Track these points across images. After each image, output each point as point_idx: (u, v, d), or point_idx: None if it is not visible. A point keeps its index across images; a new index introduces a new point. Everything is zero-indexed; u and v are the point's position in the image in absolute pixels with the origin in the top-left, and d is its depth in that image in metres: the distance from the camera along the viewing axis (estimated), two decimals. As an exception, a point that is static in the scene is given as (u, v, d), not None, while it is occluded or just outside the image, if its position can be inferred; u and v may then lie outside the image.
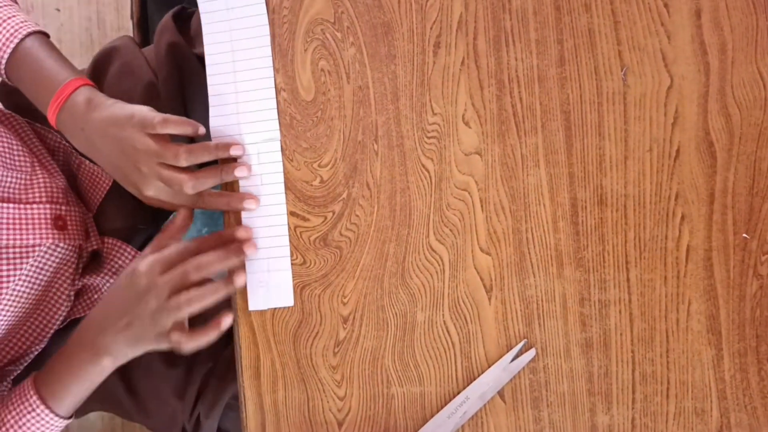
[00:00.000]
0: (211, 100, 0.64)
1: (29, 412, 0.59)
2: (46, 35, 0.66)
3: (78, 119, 0.62)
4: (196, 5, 0.66)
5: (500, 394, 0.60)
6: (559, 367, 0.60)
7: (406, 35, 0.62)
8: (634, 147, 0.59)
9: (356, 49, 0.62)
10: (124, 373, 0.75)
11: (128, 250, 0.74)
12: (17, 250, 0.62)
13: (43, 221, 0.64)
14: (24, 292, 0.63)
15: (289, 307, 0.63)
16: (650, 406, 0.59)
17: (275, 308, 0.63)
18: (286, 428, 0.64)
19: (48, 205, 0.65)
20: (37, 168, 0.66)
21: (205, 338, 0.59)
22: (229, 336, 0.63)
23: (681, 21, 0.58)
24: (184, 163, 0.60)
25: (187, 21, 0.78)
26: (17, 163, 0.65)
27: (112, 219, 0.74)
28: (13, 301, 0.62)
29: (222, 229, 0.64)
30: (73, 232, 0.67)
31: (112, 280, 0.73)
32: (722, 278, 0.58)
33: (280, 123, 0.63)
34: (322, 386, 0.63)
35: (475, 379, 0.60)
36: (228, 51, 0.64)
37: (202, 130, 0.62)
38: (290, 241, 0.63)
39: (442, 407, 0.61)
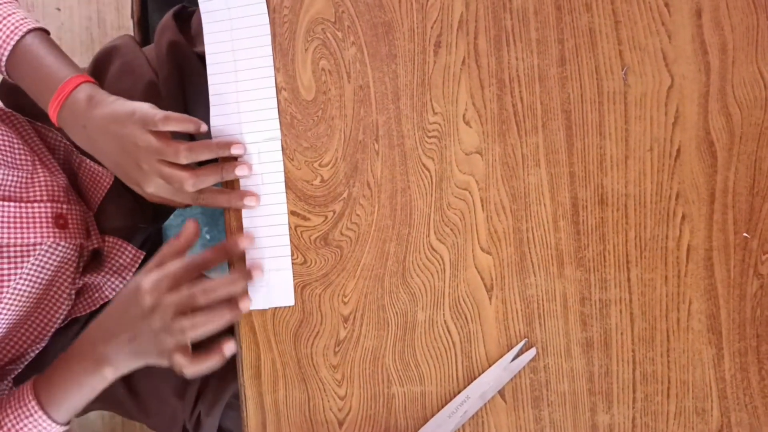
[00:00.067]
0: (212, 100, 0.64)
1: (27, 417, 0.59)
2: (46, 32, 0.66)
3: (79, 116, 0.62)
4: (196, 4, 0.66)
5: (501, 393, 0.60)
6: (560, 366, 0.60)
7: (406, 35, 0.62)
8: (634, 146, 0.59)
9: (357, 48, 0.62)
10: (124, 372, 0.75)
11: (129, 248, 0.74)
12: (18, 248, 0.62)
13: (44, 220, 0.64)
14: (25, 291, 0.63)
15: (289, 307, 0.63)
16: (651, 406, 0.59)
17: (276, 307, 0.63)
18: (286, 427, 0.64)
19: (49, 204, 0.65)
20: (38, 167, 0.66)
21: (208, 364, 0.58)
22: (230, 335, 0.63)
23: (681, 20, 0.58)
24: (184, 161, 0.59)
25: (188, 20, 0.78)
26: (18, 162, 0.65)
27: (112, 218, 0.74)
28: (14, 300, 0.62)
29: (222, 229, 0.64)
30: (74, 230, 0.67)
31: (112, 279, 0.73)
32: (723, 278, 0.58)
33: (280, 122, 0.63)
34: (322, 385, 0.63)
35: (475, 379, 0.60)
36: (229, 50, 0.64)
37: (204, 127, 0.62)
38: (291, 241, 0.63)
39: (442, 407, 0.61)
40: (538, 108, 0.60)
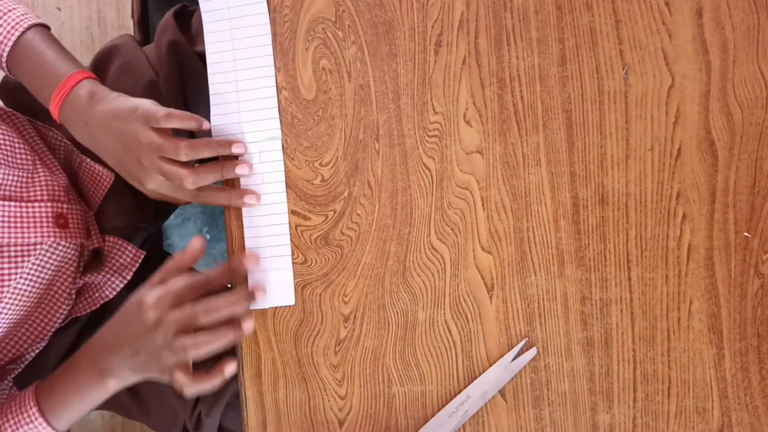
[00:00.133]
0: (213, 99, 0.64)
1: (27, 423, 0.59)
2: (47, 28, 0.65)
3: (81, 112, 0.62)
4: (196, 4, 0.66)
5: (501, 393, 0.60)
6: (561, 366, 0.60)
7: (407, 34, 0.62)
8: (635, 146, 0.59)
9: (357, 47, 0.62)
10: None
11: (129, 248, 0.74)
12: (18, 248, 0.62)
13: (44, 219, 0.64)
14: (25, 290, 0.63)
15: (290, 306, 0.63)
16: (651, 405, 0.59)
17: (276, 307, 0.63)
18: (287, 427, 0.64)
19: (49, 204, 0.65)
20: (39, 166, 0.66)
21: (208, 384, 0.58)
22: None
23: (682, 20, 0.58)
24: (184, 158, 0.59)
25: (188, 19, 0.78)
26: (19, 161, 0.65)
27: (112, 217, 0.74)
28: (15, 299, 0.62)
29: (222, 228, 0.64)
30: (75, 230, 0.67)
31: (113, 279, 0.73)
32: (723, 277, 0.58)
33: (281, 122, 0.63)
34: (323, 385, 0.63)
35: (476, 378, 0.60)
36: (229, 50, 0.64)
37: (206, 125, 0.62)
38: (291, 240, 0.63)
39: (443, 406, 0.61)
40: (538, 107, 0.60)
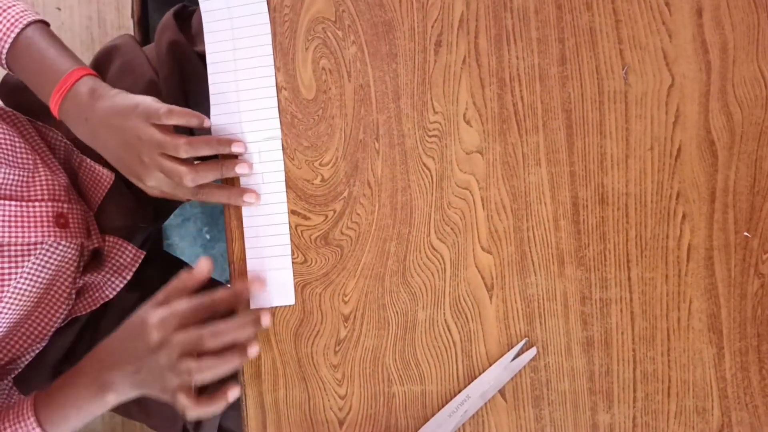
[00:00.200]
0: (213, 99, 0.64)
1: None
2: (46, 24, 0.65)
3: (82, 109, 0.62)
4: (196, 3, 0.66)
5: (501, 392, 0.60)
6: (560, 365, 0.60)
7: (407, 34, 0.62)
8: (635, 146, 0.59)
9: (357, 47, 0.62)
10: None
11: (129, 248, 0.74)
12: (19, 248, 0.62)
13: (44, 219, 0.64)
14: (25, 290, 0.63)
15: (290, 306, 0.63)
16: (651, 405, 0.59)
17: (276, 307, 0.63)
18: (287, 427, 0.64)
19: (50, 203, 0.65)
20: (39, 166, 0.66)
21: (212, 408, 0.59)
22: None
23: (682, 20, 0.58)
24: (184, 155, 0.59)
25: (188, 19, 0.78)
26: (19, 161, 0.65)
27: (113, 217, 0.74)
28: (15, 299, 0.62)
29: (222, 228, 0.64)
30: (75, 230, 0.67)
31: (113, 279, 0.73)
32: (723, 277, 0.58)
33: (281, 121, 0.63)
34: (323, 385, 0.63)
35: (476, 378, 0.60)
36: (229, 50, 0.64)
37: (207, 122, 0.62)
38: (291, 240, 0.63)
39: (443, 406, 0.61)
40: (538, 107, 0.60)
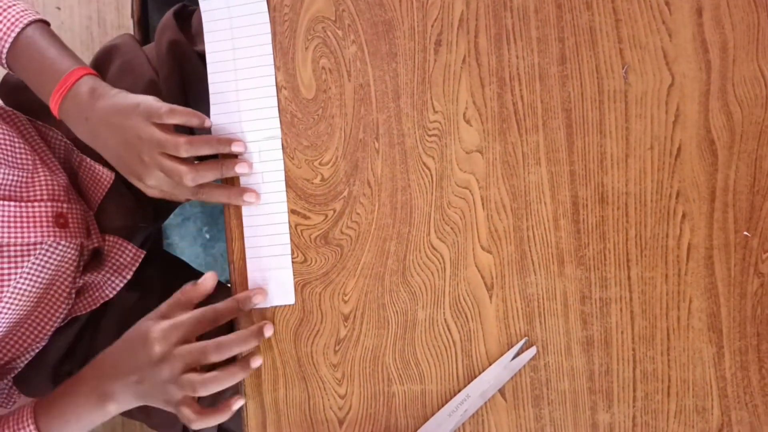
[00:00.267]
0: (212, 98, 0.64)
1: None
2: (47, 24, 0.66)
3: (82, 108, 0.62)
4: (196, 3, 0.66)
5: (501, 392, 0.60)
6: (560, 365, 0.60)
7: (407, 33, 0.62)
8: (635, 145, 0.59)
9: (357, 47, 0.62)
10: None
11: (129, 248, 0.74)
12: (18, 248, 0.62)
13: (44, 219, 0.64)
14: (25, 290, 0.63)
15: (290, 305, 0.63)
16: (651, 404, 0.59)
17: (276, 306, 0.63)
18: (286, 426, 0.64)
19: (49, 203, 0.65)
20: (39, 166, 0.66)
21: (216, 420, 0.59)
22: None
23: (682, 19, 0.58)
24: (184, 154, 0.59)
25: (188, 19, 0.78)
26: (19, 161, 0.65)
27: (113, 217, 0.74)
28: (15, 299, 0.62)
29: (222, 228, 0.64)
30: (75, 229, 0.67)
31: (113, 278, 0.73)
32: (723, 276, 0.58)
33: (281, 121, 0.63)
34: (322, 384, 0.63)
35: (476, 377, 0.60)
36: (229, 49, 0.64)
37: (208, 122, 0.62)
38: (291, 239, 0.63)
39: (442, 405, 0.61)
40: (538, 106, 0.60)
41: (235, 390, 0.63)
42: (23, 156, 0.65)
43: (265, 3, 0.63)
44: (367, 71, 0.62)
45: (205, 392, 0.57)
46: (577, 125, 0.59)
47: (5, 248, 0.61)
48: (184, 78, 0.75)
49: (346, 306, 0.62)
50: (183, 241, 1.40)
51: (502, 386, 0.60)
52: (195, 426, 0.59)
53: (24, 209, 0.63)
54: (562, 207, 0.60)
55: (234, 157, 0.63)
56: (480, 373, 0.60)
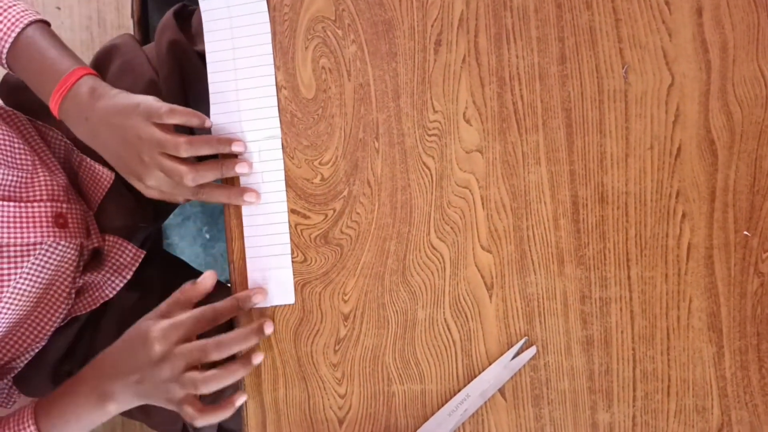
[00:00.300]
0: (212, 98, 0.64)
1: None
2: (47, 24, 0.66)
3: (82, 108, 0.62)
4: (196, 3, 0.66)
5: (501, 391, 0.60)
6: (560, 364, 0.60)
7: (407, 33, 0.62)
8: (635, 145, 0.59)
9: (357, 46, 0.62)
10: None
11: (129, 247, 0.74)
12: (18, 248, 0.62)
13: (44, 219, 0.64)
14: (25, 290, 0.63)
15: (289, 305, 0.63)
16: (651, 404, 0.59)
17: (276, 306, 0.63)
18: (286, 426, 0.64)
19: (49, 203, 0.65)
20: (39, 166, 0.66)
21: (219, 416, 0.59)
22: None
23: (682, 19, 0.58)
24: (184, 154, 0.59)
25: (188, 19, 0.78)
26: (18, 162, 0.65)
27: (112, 217, 0.74)
28: (15, 299, 0.62)
29: (222, 227, 0.64)
30: (74, 230, 0.67)
31: (113, 278, 0.73)
32: (723, 276, 0.58)
33: (280, 120, 0.63)
34: (322, 384, 0.63)
35: (475, 377, 0.60)
36: (229, 49, 0.64)
37: (208, 122, 0.62)
38: (291, 239, 0.63)
39: (442, 405, 0.61)
40: (538, 106, 0.60)
41: (236, 388, 0.63)
42: (23, 156, 0.65)
43: (265, 3, 0.63)
44: (367, 71, 0.62)
45: (206, 390, 0.57)
46: (577, 125, 0.59)
47: (5, 248, 0.61)
48: (184, 78, 0.75)
49: (346, 305, 0.62)
50: (183, 240, 1.40)
51: (502, 386, 0.60)
52: (198, 423, 0.59)
53: (24, 209, 0.63)
54: (562, 206, 0.60)
55: (234, 156, 0.63)
56: (480, 373, 0.60)
